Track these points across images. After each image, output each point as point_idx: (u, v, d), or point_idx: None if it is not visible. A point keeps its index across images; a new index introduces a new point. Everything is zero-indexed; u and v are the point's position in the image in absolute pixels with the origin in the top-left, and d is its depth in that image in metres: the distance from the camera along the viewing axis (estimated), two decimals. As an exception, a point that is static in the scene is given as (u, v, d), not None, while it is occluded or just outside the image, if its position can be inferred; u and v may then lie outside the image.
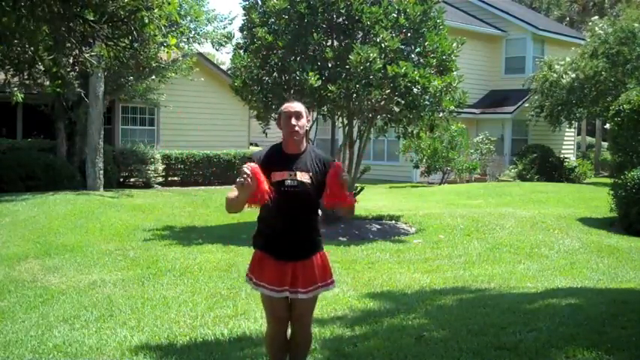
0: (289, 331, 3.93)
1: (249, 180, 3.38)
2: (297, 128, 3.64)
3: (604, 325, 4.93)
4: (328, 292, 6.90)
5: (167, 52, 6.64)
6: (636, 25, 20.63)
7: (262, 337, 5.12)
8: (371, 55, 9.77)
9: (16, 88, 14.24)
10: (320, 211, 3.86)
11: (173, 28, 14.36)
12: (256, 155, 3.74)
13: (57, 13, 5.26)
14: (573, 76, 21.09)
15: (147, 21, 5.35)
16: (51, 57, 5.91)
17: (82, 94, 16.24)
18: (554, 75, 21.54)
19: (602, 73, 20.60)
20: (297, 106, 3.70)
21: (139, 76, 17.06)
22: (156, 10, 5.43)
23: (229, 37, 19.18)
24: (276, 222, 3.70)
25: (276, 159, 3.67)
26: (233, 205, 3.56)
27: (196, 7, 17.89)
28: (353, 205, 3.73)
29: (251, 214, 3.85)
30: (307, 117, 3.72)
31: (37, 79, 15.08)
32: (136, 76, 17.02)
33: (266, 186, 3.47)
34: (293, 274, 3.68)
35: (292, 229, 3.69)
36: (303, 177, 3.63)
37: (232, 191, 3.53)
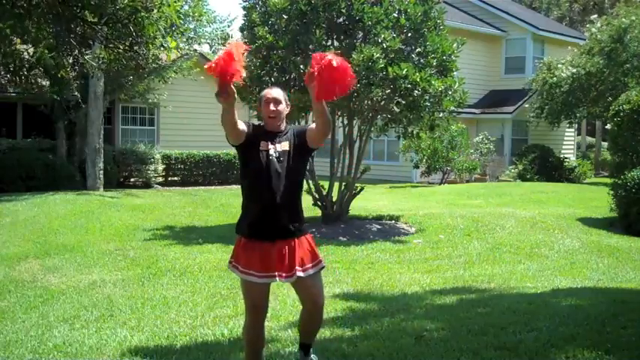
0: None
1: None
2: (273, 114, 3.90)
3: (604, 325, 4.93)
4: (328, 292, 6.92)
5: (167, 54, 6.64)
6: (625, 20, 20.63)
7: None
8: (374, 54, 9.77)
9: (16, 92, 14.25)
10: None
11: (173, 28, 14.34)
12: (250, 125, 3.97)
13: (57, 14, 5.26)
14: (574, 71, 21.08)
15: (146, 23, 5.35)
16: (51, 55, 5.91)
17: (82, 94, 16.24)
18: (554, 78, 21.54)
19: (604, 70, 20.61)
20: (275, 92, 3.97)
21: (138, 77, 17.06)
22: (155, 12, 5.42)
23: (227, 38, 19.23)
24: (255, 197, 3.82)
25: (262, 133, 3.92)
26: (225, 110, 3.67)
27: (199, 7, 17.88)
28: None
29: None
30: (287, 102, 3.98)
31: (37, 82, 15.08)
32: (135, 77, 17.02)
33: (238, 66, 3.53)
34: (280, 255, 3.76)
35: (277, 202, 3.77)
36: (284, 146, 3.86)
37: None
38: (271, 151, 3.82)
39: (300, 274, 3.77)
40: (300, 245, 3.82)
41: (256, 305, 3.83)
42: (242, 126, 3.81)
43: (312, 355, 4.11)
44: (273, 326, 5.44)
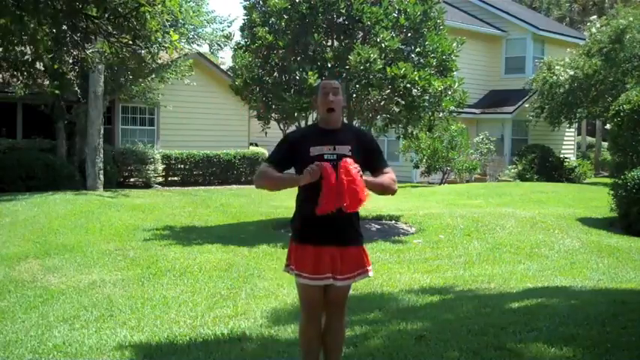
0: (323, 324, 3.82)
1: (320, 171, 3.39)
2: (333, 105, 3.62)
3: (604, 325, 4.93)
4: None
5: (169, 48, 6.64)
6: (623, 21, 20.64)
7: (262, 337, 5.13)
8: (371, 55, 9.77)
9: (17, 86, 14.25)
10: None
11: (173, 29, 14.36)
12: (291, 134, 3.76)
13: (60, 9, 5.27)
14: (572, 73, 21.10)
15: (149, 17, 5.36)
16: (51, 55, 5.92)
17: (82, 94, 16.25)
18: (554, 77, 21.55)
19: (601, 72, 20.62)
20: (334, 82, 3.70)
21: (138, 76, 17.06)
22: (159, 6, 5.44)
23: (228, 37, 19.24)
24: (315, 203, 3.52)
25: (314, 135, 3.64)
26: (274, 182, 3.59)
27: (198, 8, 17.91)
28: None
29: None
30: (343, 95, 3.72)
31: (37, 79, 15.08)
32: (135, 76, 17.02)
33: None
34: (332, 260, 3.60)
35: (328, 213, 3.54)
36: (343, 150, 3.56)
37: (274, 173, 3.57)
38: (327, 156, 3.53)
39: (345, 282, 3.66)
40: (353, 251, 3.69)
41: (312, 305, 3.70)
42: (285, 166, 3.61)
43: None
44: (273, 326, 5.44)
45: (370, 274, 3.79)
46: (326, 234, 3.58)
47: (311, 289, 3.64)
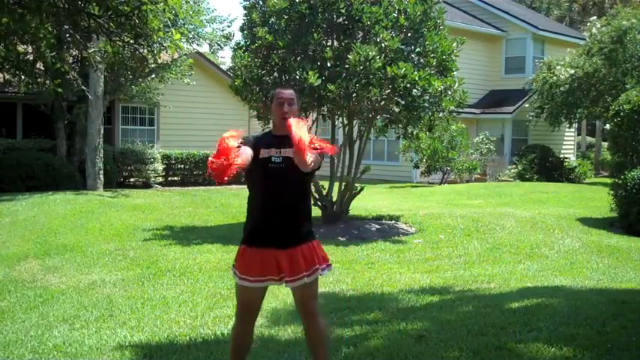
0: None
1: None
2: (288, 115, 3.71)
3: (604, 325, 4.93)
4: (329, 293, 6.92)
5: (170, 47, 6.64)
6: (625, 22, 20.66)
7: (262, 337, 5.13)
8: (370, 54, 9.77)
9: (19, 85, 14.25)
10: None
11: (174, 28, 14.36)
12: (247, 138, 3.79)
13: (62, 8, 5.27)
14: (572, 72, 21.10)
15: (150, 15, 5.36)
16: (53, 54, 5.93)
17: (82, 94, 16.25)
18: (554, 77, 21.56)
19: (602, 70, 20.63)
20: (289, 93, 3.81)
21: (139, 76, 17.08)
22: (161, 4, 5.44)
23: (229, 37, 19.25)
24: (263, 204, 3.71)
25: (266, 140, 3.77)
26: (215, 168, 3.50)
27: (198, 7, 17.92)
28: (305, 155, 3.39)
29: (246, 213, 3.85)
30: (298, 104, 3.84)
31: (38, 79, 15.09)
32: (136, 76, 17.03)
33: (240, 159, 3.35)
34: (277, 262, 3.66)
35: (279, 210, 3.67)
36: (290, 153, 3.60)
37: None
38: (273, 158, 3.67)
39: (299, 281, 3.68)
40: (303, 250, 3.70)
41: (246, 307, 3.80)
42: (249, 154, 3.56)
43: None
44: (273, 326, 5.44)
45: (325, 272, 3.81)
46: (272, 236, 3.67)
47: (248, 291, 3.72)
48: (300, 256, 3.69)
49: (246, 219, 3.84)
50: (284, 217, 3.68)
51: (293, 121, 3.44)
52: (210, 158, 3.30)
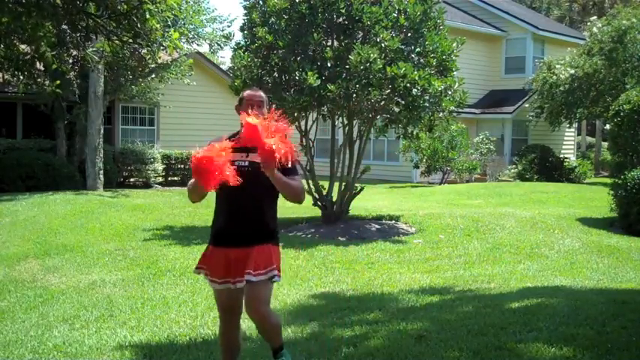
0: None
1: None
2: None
3: (604, 325, 4.93)
4: (329, 293, 6.92)
5: (169, 47, 6.65)
6: (625, 22, 20.66)
7: (262, 337, 5.13)
8: (371, 55, 9.77)
9: (18, 85, 14.26)
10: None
11: (173, 28, 14.37)
12: (213, 141, 3.77)
13: (61, 7, 5.27)
14: (572, 72, 21.11)
15: (149, 15, 5.36)
16: (53, 53, 5.93)
17: (81, 94, 16.25)
18: (554, 77, 21.56)
19: (602, 70, 20.63)
20: (258, 95, 3.77)
21: (138, 76, 17.08)
22: (160, 4, 5.44)
23: (229, 37, 19.24)
24: (225, 206, 3.74)
25: (232, 142, 3.70)
26: (192, 190, 3.66)
27: (198, 7, 17.92)
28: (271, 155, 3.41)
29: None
30: (266, 106, 3.79)
31: (37, 79, 15.09)
32: (135, 76, 17.03)
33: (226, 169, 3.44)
34: (235, 261, 3.65)
35: (240, 211, 3.68)
36: (256, 158, 3.59)
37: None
38: (238, 162, 3.62)
39: (249, 277, 3.59)
40: (258, 250, 3.65)
41: (223, 307, 3.80)
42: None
43: (282, 358, 3.80)
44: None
45: (276, 278, 3.68)
46: (233, 237, 3.68)
47: (220, 293, 3.74)
48: (254, 256, 3.63)
49: (213, 220, 3.86)
50: (245, 220, 3.67)
51: (253, 124, 3.35)
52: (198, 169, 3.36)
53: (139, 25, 5.51)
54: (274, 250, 3.74)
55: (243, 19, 11.37)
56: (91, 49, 6.99)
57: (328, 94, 10.05)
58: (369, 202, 14.38)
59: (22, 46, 7.67)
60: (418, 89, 10.22)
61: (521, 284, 7.31)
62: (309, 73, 9.90)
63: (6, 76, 15.61)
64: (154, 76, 17.47)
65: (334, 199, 11.51)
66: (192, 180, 3.58)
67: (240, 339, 3.99)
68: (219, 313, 3.87)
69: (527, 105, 23.68)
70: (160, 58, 16.20)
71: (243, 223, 3.69)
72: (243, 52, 10.99)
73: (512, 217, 11.79)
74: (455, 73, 10.93)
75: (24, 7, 5.14)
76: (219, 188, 3.54)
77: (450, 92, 10.68)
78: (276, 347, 3.76)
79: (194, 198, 3.74)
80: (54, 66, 6.27)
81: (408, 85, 10.09)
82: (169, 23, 11.23)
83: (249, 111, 3.60)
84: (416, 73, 10.03)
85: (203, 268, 3.81)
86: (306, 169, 11.35)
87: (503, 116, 23.89)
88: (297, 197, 3.70)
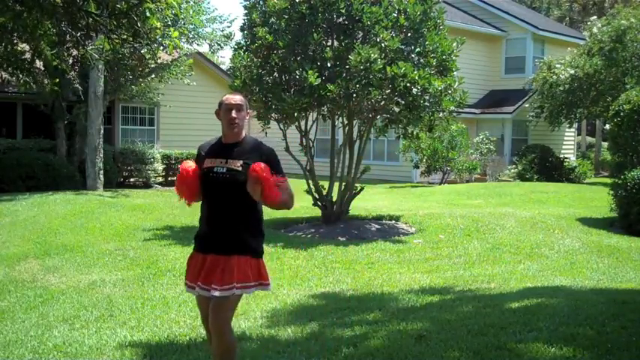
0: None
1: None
2: (236, 121, 3.71)
3: (604, 325, 4.93)
4: (329, 293, 6.92)
5: (169, 46, 6.64)
6: (624, 22, 20.66)
7: (262, 337, 5.13)
8: (371, 55, 9.77)
9: (18, 85, 14.27)
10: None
11: (173, 28, 14.37)
12: (202, 146, 3.88)
13: (61, 6, 5.27)
14: (572, 72, 21.11)
15: (149, 14, 5.36)
16: (53, 51, 5.92)
17: (81, 94, 16.25)
18: (554, 77, 21.57)
19: (602, 70, 20.63)
20: (237, 99, 3.77)
21: (138, 76, 17.07)
22: (160, 3, 5.44)
23: (229, 37, 19.24)
24: (205, 211, 3.78)
25: (214, 148, 3.78)
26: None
27: (198, 7, 17.92)
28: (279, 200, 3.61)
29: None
30: (247, 110, 3.79)
31: (37, 78, 15.08)
32: (135, 76, 17.03)
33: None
34: (209, 268, 3.60)
35: (217, 217, 3.69)
36: (234, 164, 3.64)
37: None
38: (216, 169, 3.65)
39: (222, 293, 3.53)
40: (238, 261, 3.58)
41: (202, 316, 3.82)
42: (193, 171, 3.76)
43: None
44: (273, 326, 5.43)
45: (252, 290, 3.63)
46: (211, 240, 3.68)
47: (197, 298, 3.75)
48: (228, 268, 3.57)
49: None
50: (220, 226, 3.67)
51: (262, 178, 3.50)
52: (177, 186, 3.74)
53: (138, 24, 5.51)
54: (253, 264, 3.63)
55: (243, 19, 11.37)
56: (91, 47, 6.99)
57: (328, 94, 10.05)
58: (369, 202, 14.38)
59: (22, 45, 7.68)
60: (418, 89, 10.21)
61: (521, 284, 7.31)
62: (310, 72, 9.90)
63: (5, 75, 15.59)
64: (153, 76, 17.46)
65: (334, 199, 11.51)
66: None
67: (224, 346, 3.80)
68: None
69: (527, 105, 23.67)
70: (159, 58, 16.22)
71: (219, 230, 3.67)
72: (243, 52, 10.99)
73: (512, 217, 11.79)
74: (455, 73, 10.93)
75: (24, 5, 5.14)
76: (203, 194, 3.74)
77: (450, 92, 10.68)
78: None
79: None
80: (54, 64, 6.26)
81: (408, 85, 10.09)
82: (169, 23, 11.24)
83: (232, 114, 3.68)
84: (416, 72, 10.03)
85: (186, 277, 3.83)
86: (306, 169, 11.35)
87: (503, 116, 23.89)
88: (283, 207, 3.75)
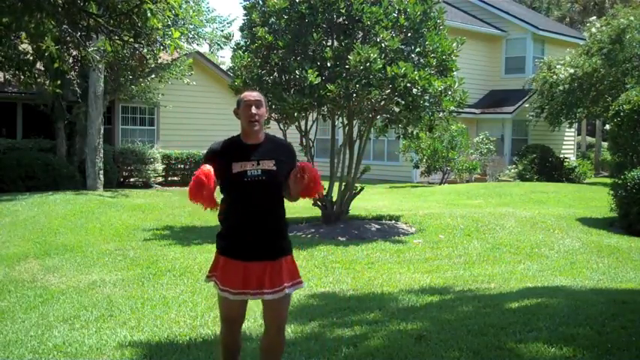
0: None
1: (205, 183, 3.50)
2: (256, 117, 3.61)
3: (604, 325, 4.93)
4: (329, 293, 6.92)
5: (170, 46, 6.65)
6: (623, 21, 20.66)
7: (262, 337, 5.13)
8: (371, 55, 9.77)
9: (20, 85, 14.28)
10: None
11: (173, 28, 14.37)
12: (214, 147, 3.70)
13: (62, 7, 5.27)
14: (571, 71, 21.12)
15: (150, 14, 5.36)
16: (57, 47, 5.91)
17: (81, 94, 16.25)
18: (554, 76, 21.57)
19: (601, 70, 20.63)
20: (255, 95, 3.68)
21: (138, 76, 17.07)
22: (161, 3, 5.44)
23: (228, 37, 19.25)
24: (241, 218, 3.58)
25: (236, 150, 3.62)
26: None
27: (198, 7, 17.93)
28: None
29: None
30: (266, 107, 3.71)
31: (38, 78, 15.08)
32: (135, 76, 17.03)
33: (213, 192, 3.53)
34: (259, 275, 3.56)
35: (259, 223, 3.57)
36: (268, 165, 3.57)
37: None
38: (250, 172, 3.54)
39: (276, 295, 3.59)
40: (283, 264, 3.62)
41: (230, 318, 3.74)
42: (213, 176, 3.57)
43: None
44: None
45: (303, 285, 3.75)
46: (255, 248, 3.58)
47: (232, 303, 3.61)
48: (283, 268, 3.61)
49: (220, 232, 3.72)
50: (265, 229, 3.59)
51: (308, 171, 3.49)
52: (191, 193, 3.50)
53: (139, 25, 5.52)
54: (292, 260, 3.73)
55: (243, 19, 11.36)
56: (92, 49, 6.99)
57: (328, 94, 10.05)
58: (369, 202, 14.38)
59: (23, 46, 7.67)
60: (418, 89, 10.21)
61: (521, 284, 7.31)
62: (310, 71, 9.91)
63: (7, 76, 15.59)
64: (153, 76, 17.47)
65: (334, 199, 11.51)
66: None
67: (241, 340, 3.98)
68: (221, 320, 3.79)
69: (527, 105, 23.67)
70: (160, 58, 16.22)
71: (264, 236, 3.59)
72: (243, 52, 10.99)
73: (512, 217, 11.79)
74: (455, 73, 10.93)
75: (25, 3, 5.14)
76: (233, 199, 3.59)
77: (450, 92, 10.68)
78: None
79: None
80: (56, 64, 6.26)
81: (408, 85, 10.09)
82: (169, 23, 11.23)
83: (252, 110, 3.59)
84: (416, 73, 10.03)
85: (215, 275, 3.68)
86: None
87: (503, 116, 23.89)
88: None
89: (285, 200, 3.72)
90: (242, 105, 3.65)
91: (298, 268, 3.80)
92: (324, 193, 3.73)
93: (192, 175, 3.56)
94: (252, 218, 3.57)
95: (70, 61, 16.55)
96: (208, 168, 3.53)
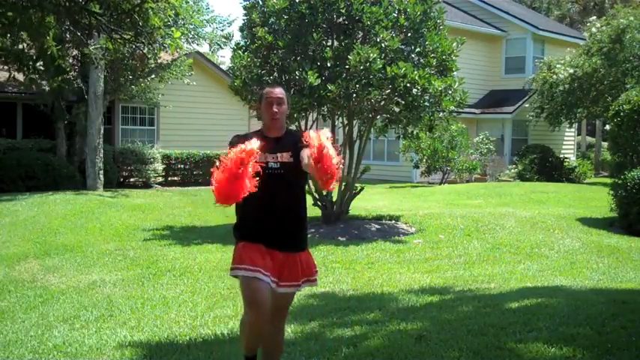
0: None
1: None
2: (277, 115, 3.70)
3: (604, 325, 4.93)
4: (329, 293, 6.92)
5: (171, 46, 6.65)
6: (623, 21, 20.67)
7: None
8: (371, 55, 9.77)
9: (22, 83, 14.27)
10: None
11: (174, 28, 14.37)
12: (240, 135, 3.66)
13: (63, 5, 5.28)
14: (571, 71, 21.12)
15: (151, 13, 5.37)
16: (58, 47, 5.91)
17: (82, 94, 16.25)
18: (554, 77, 21.57)
19: (601, 70, 20.63)
20: (277, 92, 3.75)
21: (139, 76, 17.07)
22: (162, 3, 5.45)
23: (228, 37, 19.26)
24: (263, 211, 3.57)
25: (259, 142, 3.54)
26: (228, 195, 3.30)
27: (198, 7, 17.94)
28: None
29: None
30: (288, 102, 3.78)
31: (40, 74, 15.08)
32: (135, 76, 17.03)
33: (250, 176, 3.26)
34: (279, 265, 3.58)
35: (280, 214, 3.60)
36: (284, 157, 3.61)
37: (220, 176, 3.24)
38: (271, 164, 3.57)
39: (289, 289, 3.64)
40: (300, 259, 3.66)
41: (256, 302, 3.49)
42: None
43: None
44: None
45: (317, 282, 3.80)
46: (276, 239, 3.59)
47: (256, 282, 3.45)
48: (299, 264, 3.65)
49: (238, 224, 3.69)
50: (285, 223, 3.62)
51: (323, 139, 3.15)
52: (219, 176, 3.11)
53: (141, 24, 5.52)
54: (309, 256, 3.76)
55: (243, 19, 11.36)
56: (93, 47, 7.00)
57: (328, 94, 10.05)
58: (369, 202, 14.38)
59: (24, 43, 7.68)
60: (418, 89, 10.22)
61: (521, 284, 7.31)
62: (310, 72, 9.90)
63: (12, 73, 15.59)
64: (154, 76, 17.47)
65: (334, 199, 11.51)
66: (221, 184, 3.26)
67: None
68: (247, 308, 3.53)
69: (527, 105, 23.67)
70: (160, 58, 16.21)
71: (286, 229, 3.61)
72: (243, 52, 10.99)
73: (512, 217, 11.79)
74: (455, 73, 10.94)
75: (28, 0, 5.16)
76: (257, 192, 3.31)
77: (450, 92, 10.68)
78: None
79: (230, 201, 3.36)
80: (57, 62, 6.26)
81: (408, 85, 10.10)
82: (170, 22, 11.23)
83: (274, 108, 3.60)
84: (416, 73, 10.03)
85: (243, 264, 3.52)
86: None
87: (503, 116, 23.89)
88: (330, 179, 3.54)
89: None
90: (264, 102, 3.74)
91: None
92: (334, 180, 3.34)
93: (211, 171, 3.26)
94: (272, 210, 3.60)
95: (70, 60, 16.56)
96: (252, 145, 3.26)
